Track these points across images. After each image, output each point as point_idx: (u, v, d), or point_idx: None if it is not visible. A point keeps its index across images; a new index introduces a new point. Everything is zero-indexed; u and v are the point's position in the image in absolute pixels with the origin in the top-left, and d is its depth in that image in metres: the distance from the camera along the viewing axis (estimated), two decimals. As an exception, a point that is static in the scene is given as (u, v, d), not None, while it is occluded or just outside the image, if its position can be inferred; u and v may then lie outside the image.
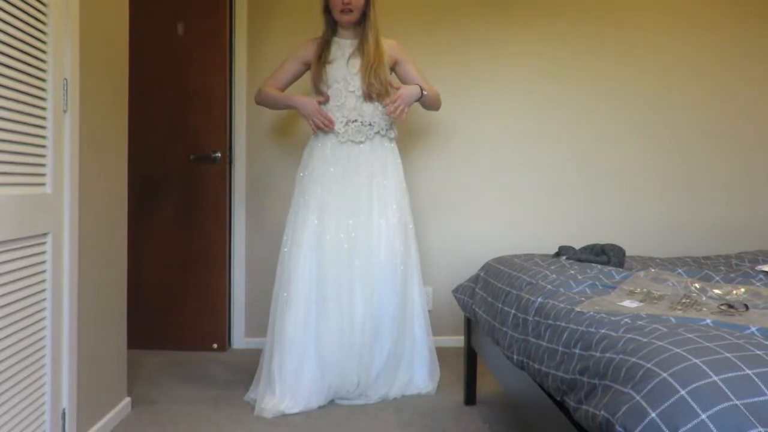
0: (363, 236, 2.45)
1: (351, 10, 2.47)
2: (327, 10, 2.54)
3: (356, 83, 2.49)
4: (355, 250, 2.43)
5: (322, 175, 2.49)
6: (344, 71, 2.50)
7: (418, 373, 2.54)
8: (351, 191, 2.48)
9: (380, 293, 2.44)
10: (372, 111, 2.52)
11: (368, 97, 2.49)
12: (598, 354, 1.25)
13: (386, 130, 2.55)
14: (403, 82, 2.63)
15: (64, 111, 1.74)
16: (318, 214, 2.44)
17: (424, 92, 2.53)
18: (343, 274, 2.41)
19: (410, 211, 2.59)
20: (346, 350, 2.38)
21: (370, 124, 2.52)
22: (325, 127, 2.48)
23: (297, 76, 2.65)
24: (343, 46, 2.55)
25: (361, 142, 2.51)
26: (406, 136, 3.11)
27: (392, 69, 2.62)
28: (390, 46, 2.58)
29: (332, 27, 2.57)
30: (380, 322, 2.43)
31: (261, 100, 2.65)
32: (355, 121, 2.51)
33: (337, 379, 2.38)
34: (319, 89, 2.53)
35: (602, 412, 1.10)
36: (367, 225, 2.46)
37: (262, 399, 2.31)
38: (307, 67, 2.60)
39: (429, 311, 2.65)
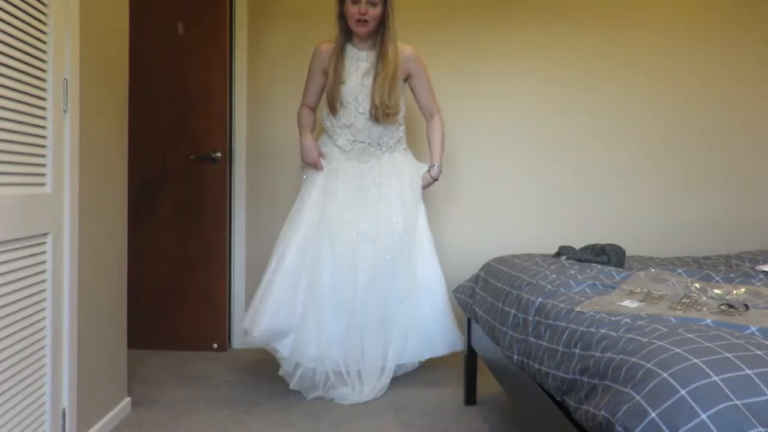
0: (368, 226, 2.44)
1: (367, 21, 2.36)
2: (342, 15, 2.42)
3: (366, 105, 2.44)
4: (358, 237, 2.43)
5: (326, 172, 2.51)
6: (356, 91, 2.44)
7: (433, 340, 2.50)
8: (356, 186, 2.48)
9: (384, 277, 2.42)
10: (381, 132, 2.49)
11: (377, 120, 2.44)
12: (598, 354, 1.25)
13: (395, 145, 2.54)
14: (414, 95, 2.59)
15: (64, 111, 1.74)
16: (320, 205, 2.45)
17: (438, 168, 2.62)
18: (345, 263, 2.41)
19: (422, 201, 2.58)
20: (349, 329, 2.38)
21: (378, 144, 2.50)
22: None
23: (324, 87, 2.57)
24: (358, 60, 2.46)
25: (367, 162, 2.50)
26: (407, 136, 3.10)
27: (405, 80, 2.55)
28: (406, 57, 2.48)
29: (346, 34, 2.45)
30: (387, 304, 2.42)
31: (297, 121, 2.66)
32: (363, 142, 2.49)
33: (341, 354, 2.38)
34: (333, 107, 2.48)
35: (602, 412, 1.10)
36: (371, 215, 2.46)
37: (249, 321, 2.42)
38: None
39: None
